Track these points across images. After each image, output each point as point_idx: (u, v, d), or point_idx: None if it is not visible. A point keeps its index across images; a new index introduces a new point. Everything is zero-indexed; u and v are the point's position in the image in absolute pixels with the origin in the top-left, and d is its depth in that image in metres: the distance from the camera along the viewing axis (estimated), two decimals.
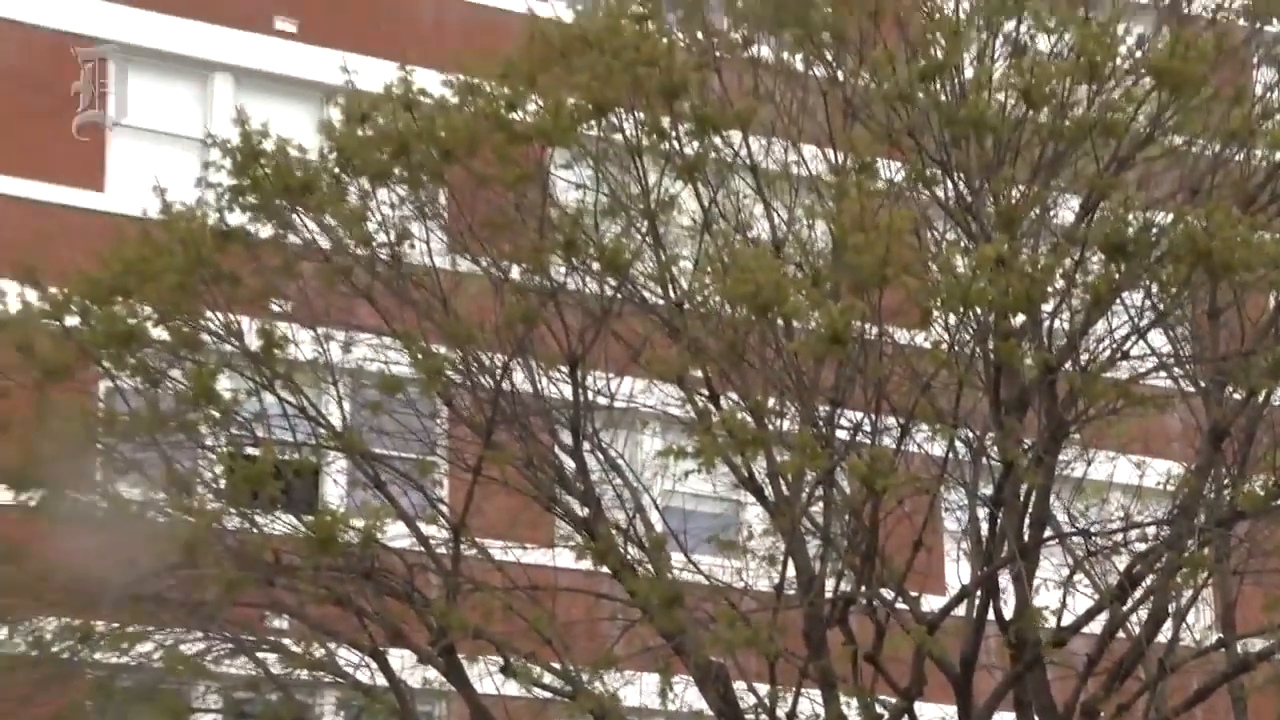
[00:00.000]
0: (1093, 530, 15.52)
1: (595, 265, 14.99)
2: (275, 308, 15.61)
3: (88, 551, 15.10)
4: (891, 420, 14.63)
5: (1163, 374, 15.27)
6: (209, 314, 15.32)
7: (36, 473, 15.22)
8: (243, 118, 15.47)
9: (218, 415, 15.36)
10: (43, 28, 21.51)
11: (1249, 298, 15.03)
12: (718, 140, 15.20)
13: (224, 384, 15.38)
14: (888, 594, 14.63)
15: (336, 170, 15.40)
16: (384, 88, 15.28)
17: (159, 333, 15.27)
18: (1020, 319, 14.21)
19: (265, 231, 15.53)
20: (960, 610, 14.48)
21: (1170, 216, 14.27)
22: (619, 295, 15.14)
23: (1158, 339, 15.14)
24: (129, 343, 15.22)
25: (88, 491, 15.26)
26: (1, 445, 15.26)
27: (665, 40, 15.15)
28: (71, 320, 15.21)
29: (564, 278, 15.11)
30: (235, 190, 15.43)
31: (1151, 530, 15.30)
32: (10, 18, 21.27)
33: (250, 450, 15.46)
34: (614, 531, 15.03)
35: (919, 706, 14.56)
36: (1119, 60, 14.89)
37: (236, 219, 15.45)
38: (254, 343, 15.26)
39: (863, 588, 14.51)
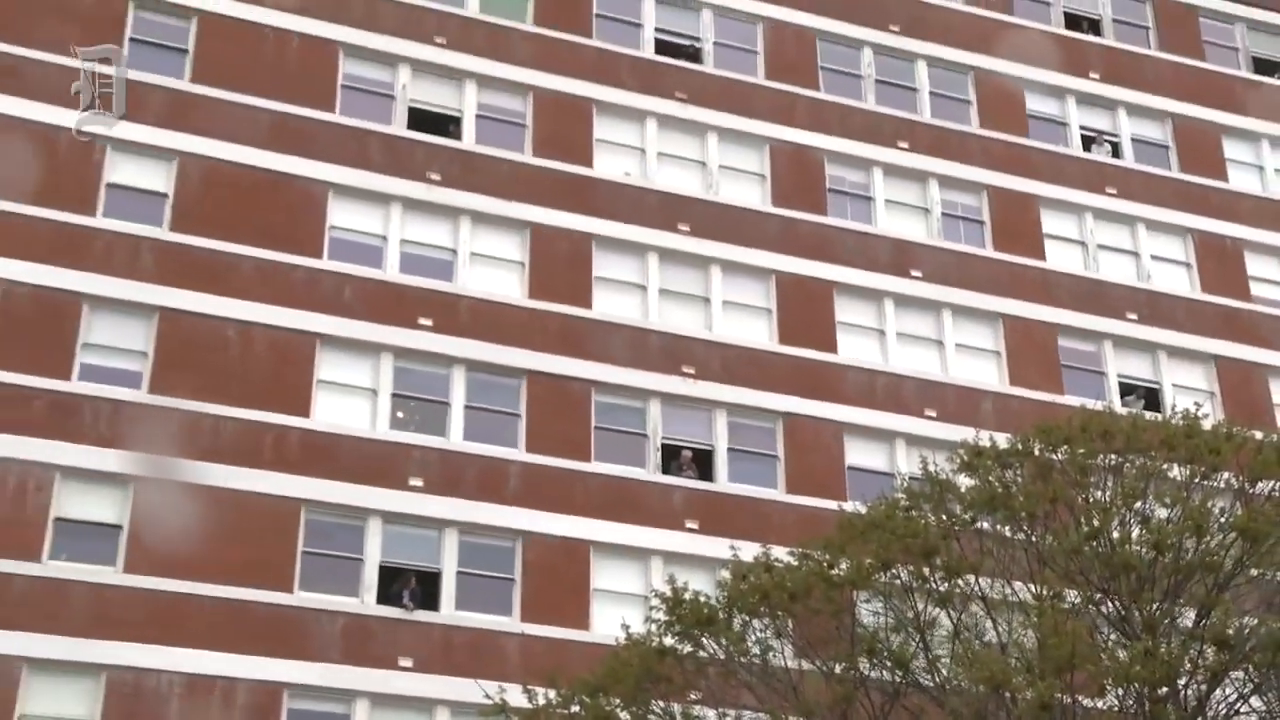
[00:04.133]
0: None
1: (888, 663, 16.25)
2: (692, 696, 16.99)
3: None
4: None
5: None
6: (654, 703, 16.87)
7: None
8: (673, 582, 17.47)
9: None
10: (553, 535, 21.97)
11: None
12: (960, 581, 16.47)
13: None
14: None
15: (726, 610, 16.92)
16: (780, 559, 16.73)
17: (624, 716, 16.63)
18: (1164, 690, 15.24)
19: (686, 649, 17.09)
20: None
21: (1257, 621, 15.51)
22: (904, 681, 16.39)
23: (1257, 702, 16.16)
24: None
25: None
26: None
27: (922, 521, 16.82)
28: (574, 708, 16.85)
29: (868, 671, 16.47)
30: (667, 624, 17.20)
31: None
32: (532, 530, 22.18)
33: None
34: None
35: None
36: (1213, 521, 15.98)
37: (668, 641, 17.05)
38: None
39: None
